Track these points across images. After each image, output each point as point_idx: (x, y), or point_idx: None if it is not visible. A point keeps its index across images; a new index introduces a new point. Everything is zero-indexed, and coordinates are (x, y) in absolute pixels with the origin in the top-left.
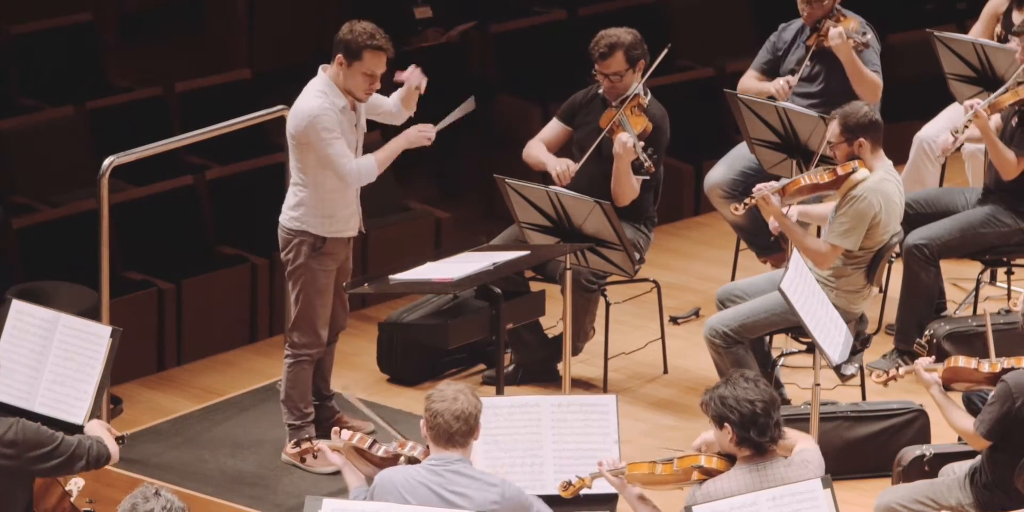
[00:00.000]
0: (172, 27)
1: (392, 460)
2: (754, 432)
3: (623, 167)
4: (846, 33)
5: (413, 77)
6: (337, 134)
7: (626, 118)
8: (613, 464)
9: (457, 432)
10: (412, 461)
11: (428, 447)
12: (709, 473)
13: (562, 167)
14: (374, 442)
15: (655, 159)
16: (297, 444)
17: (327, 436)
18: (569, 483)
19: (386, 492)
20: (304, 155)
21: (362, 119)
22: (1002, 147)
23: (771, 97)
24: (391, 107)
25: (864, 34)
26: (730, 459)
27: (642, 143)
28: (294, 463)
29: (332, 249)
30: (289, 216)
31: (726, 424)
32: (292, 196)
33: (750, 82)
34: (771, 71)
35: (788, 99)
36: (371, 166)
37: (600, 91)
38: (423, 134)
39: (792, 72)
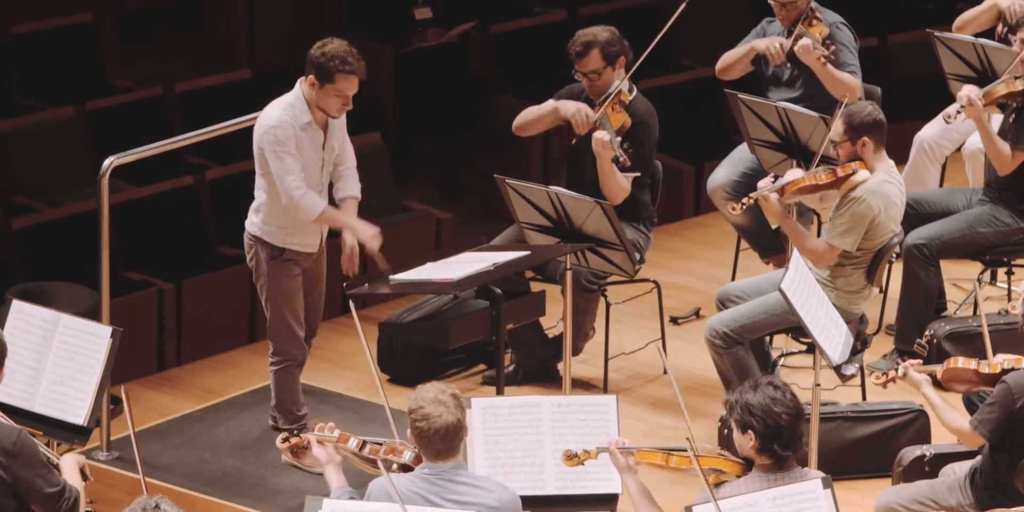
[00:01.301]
0: (172, 27)
1: (383, 464)
2: (778, 445)
3: (605, 165)
4: (812, 45)
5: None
6: (289, 149)
7: (606, 116)
8: (623, 444)
9: (444, 448)
10: (404, 468)
11: (420, 453)
12: (724, 476)
13: (581, 116)
14: (363, 444)
15: (630, 153)
16: (286, 440)
17: None
18: (574, 454)
19: (380, 501)
20: (264, 164)
21: (333, 141)
22: (997, 140)
23: (760, 60)
24: (336, 192)
25: (828, 45)
26: (748, 464)
27: (619, 139)
28: (295, 464)
29: (290, 257)
30: (251, 220)
31: (749, 431)
32: (255, 200)
33: (732, 51)
34: (753, 59)
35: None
36: (314, 208)
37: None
38: (371, 239)
39: (775, 75)
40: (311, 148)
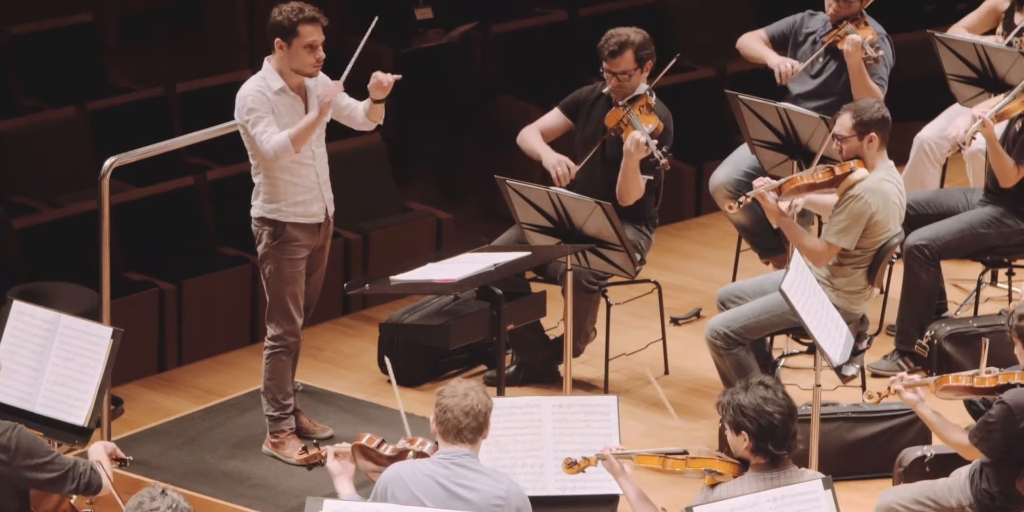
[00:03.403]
0: (172, 27)
1: (400, 457)
2: (772, 444)
3: (632, 165)
4: (863, 44)
5: (380, 79)
6: (262, 113)
7: (636, 117)
8: (619, 450)
9: (466, 428)
10: (420, 456)
11: (437, 443)
12: (721, 477)
13: (562, 169)
14: (382, 442)
15: (670, 157)
16: (304, 451)
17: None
18: (574, 462)
19: (393, 485)
20: (253, 144)
21: (315, 107)
22: (1004, 155)
23: (787, 45)
24: (358, 115)
25: (877, 49)
26: (743, 464)
27: (655, 142)
28: (273, 454)
29: (293, 236)
30: (254, 205)
31: (743, 432)
32: (254, 186)
33: (755, 42)
34: (779, 44)
35: (788, 100)
36: (283, 142)
37: (605, 90)
38: (325, 97)
39: (801, 58)
40: (291, 114)
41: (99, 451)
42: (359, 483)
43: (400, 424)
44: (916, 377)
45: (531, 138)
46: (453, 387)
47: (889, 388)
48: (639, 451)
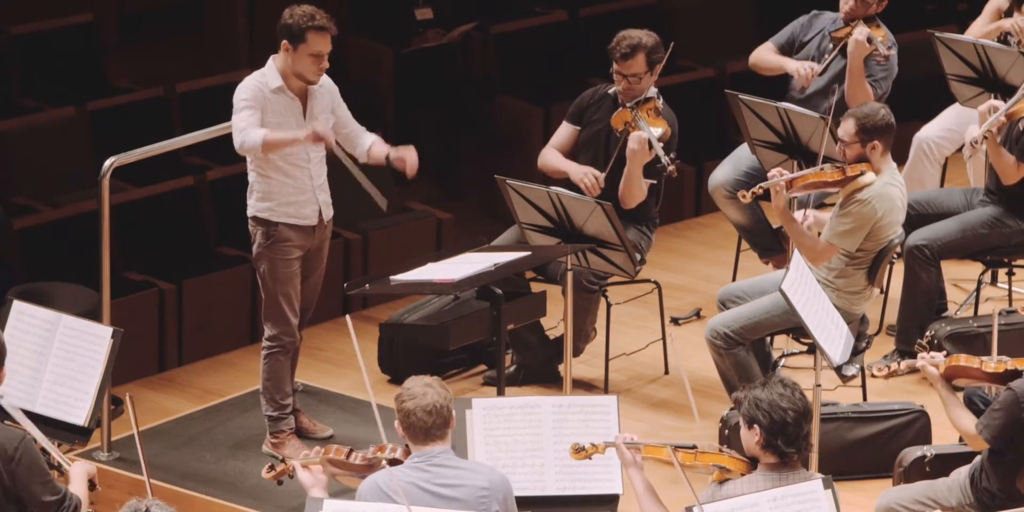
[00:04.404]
0: (172, 27)
1: (373, 465)
2: (782, 440)
3: (635, 171)
4: (868, 36)
5: (408, 159)
6: (249, 104)
7: (643, 120)
8: (631, 440)
9: (432, 426)
10: (394, 462)
11: (407, 446)
12: (729, 474)
13: (590, 180)
14: (351, 451)
15: (677, 163)
16: (271, 469)
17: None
18: (582, 447)
19: (373, 496)
20: None
21: (317, 111)
22: (1004, 153)
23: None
24: (361, 149)
25: (889, 48)
26: (752, 463)
27: (660, 144)
28: (273, 454)
29: (286, 236)
30: (249, 205)
31: (755, 426)
32: (249, 184)
33: (767, 54)
34: (787, 50)
35: (795, 101)
36: (255, 138)
37: (611, 91)
38: (320, 135)
39: (814, 59)
40: (288, 115)
41: (81, 474)
42: (335, 493)
43: (389, 428)
44: (932, 355)
45: (551, 158)
46: (409, 389)
47: (899, 363)
48: (648, 442)
